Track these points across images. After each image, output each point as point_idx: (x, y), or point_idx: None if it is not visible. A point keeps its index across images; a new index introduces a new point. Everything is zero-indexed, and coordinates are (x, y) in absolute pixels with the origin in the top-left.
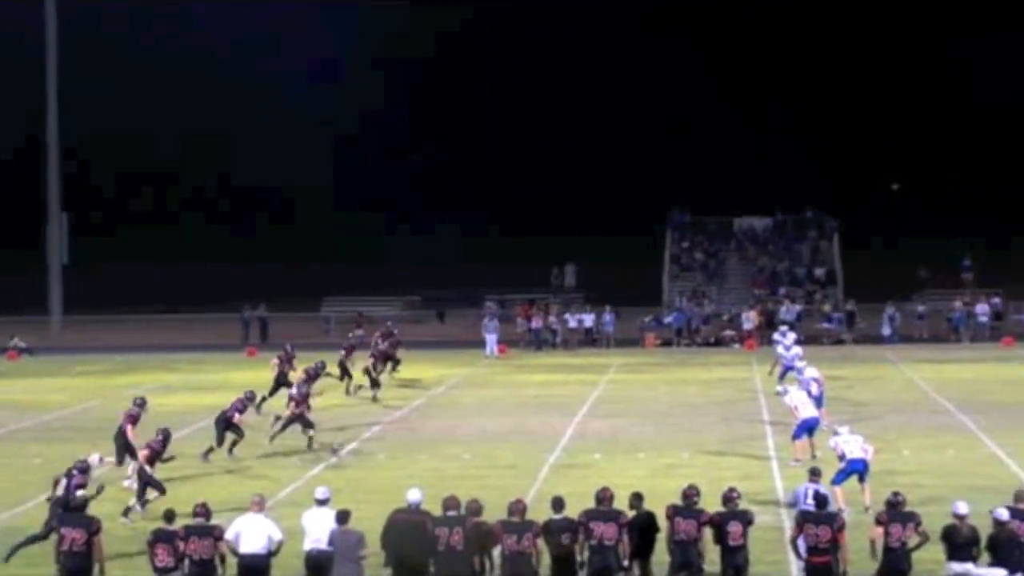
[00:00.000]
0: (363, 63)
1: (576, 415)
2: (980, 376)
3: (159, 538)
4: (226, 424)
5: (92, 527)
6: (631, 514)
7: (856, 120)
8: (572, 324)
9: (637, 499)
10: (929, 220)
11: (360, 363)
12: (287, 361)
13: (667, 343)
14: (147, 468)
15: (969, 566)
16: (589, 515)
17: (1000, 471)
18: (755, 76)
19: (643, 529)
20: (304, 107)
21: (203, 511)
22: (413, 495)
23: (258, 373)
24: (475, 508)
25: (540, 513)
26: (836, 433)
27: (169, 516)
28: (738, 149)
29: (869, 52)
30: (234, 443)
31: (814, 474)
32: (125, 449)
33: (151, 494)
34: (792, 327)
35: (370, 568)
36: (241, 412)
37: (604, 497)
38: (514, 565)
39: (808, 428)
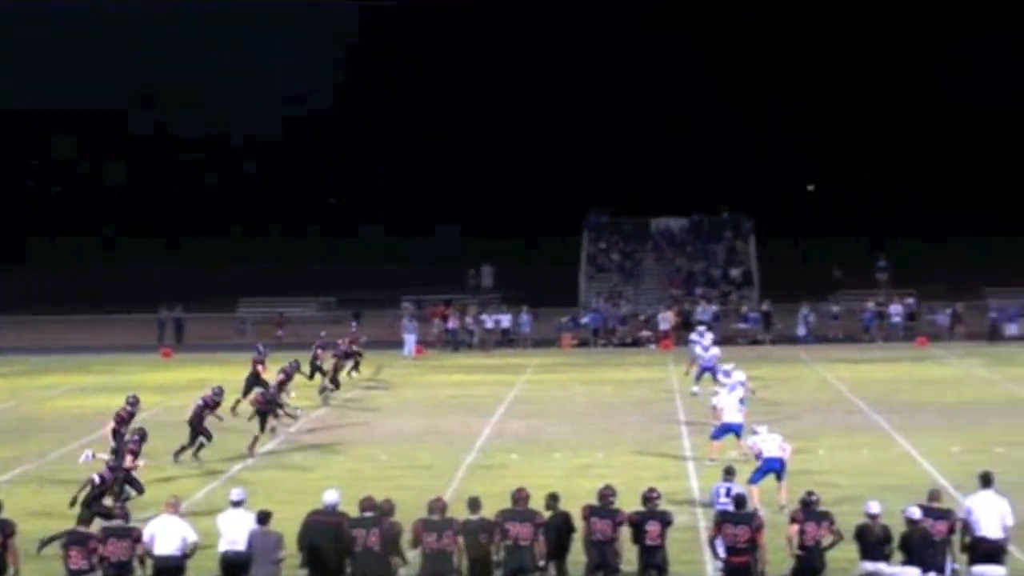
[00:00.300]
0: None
1: (493, 415)
2: (894, 376)
3: (73, 540)
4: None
5: (7, 530)
6: (547, 514)
7: (771, 120)
8: (489, 325)
9: (553, 499)
10: (845, 221)
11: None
12: (260, 362)
13: (584, 343)
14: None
15: (881, 565)
16: (505, 515)
17: (913, 470)
18: (676, 79)
19: (559, 529)
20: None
21: (122, 513)
22: (330, 496)
23: (175, 374)
24: (387, 508)
25: (456, 513)
26: (755, 432)
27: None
28: (655, 150)
29: (785, 53)
30: (199, 447)
31: (728, 473)
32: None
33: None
34: (709, 327)
35: (287, 569)
36: (212, 408)
37: (520, 497)
38: (435, 563)
39: (731, 431)
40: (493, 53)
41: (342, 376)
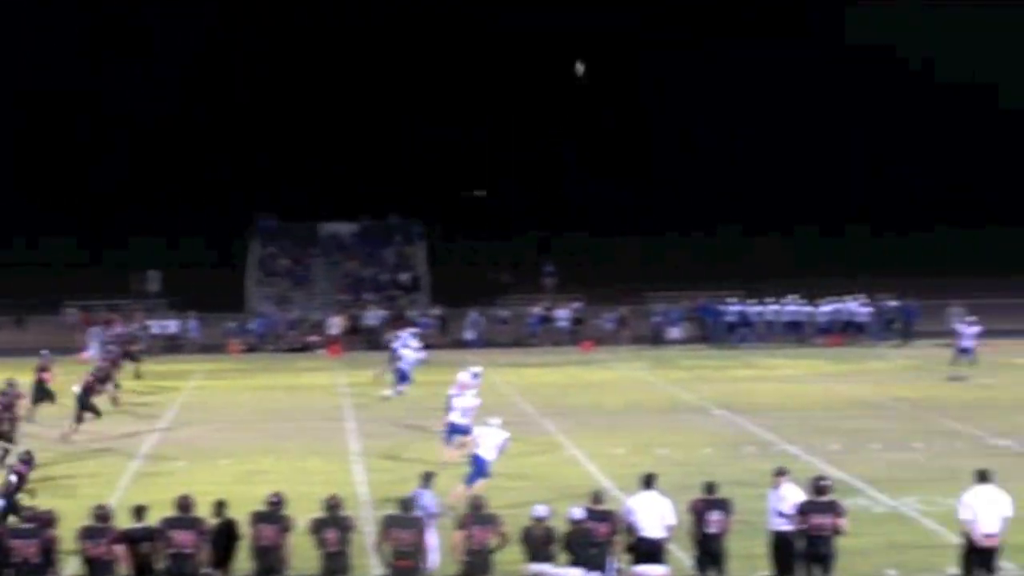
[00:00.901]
0: None
1: (160, 422)
2: (561, 380)
3: None
4: None
5: None
6: (213, 521)
7: (438, 125)
8: (156, 330)
9: (219, 506)
10: (513, 225)
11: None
12: (44, 369)
13: (252, 349)
14: None
15: (546, 567)
16: (169, 523)
17: (579, 473)
18: (345, 82)
19: (224, 536)
20: None
21: None
22: None
23: None
24: (47, 518)
25: (123, 522)
26: (486, 424)
27: None
28: (323, 155)
29: (441, 57)
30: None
31: (427, 478)
32: None
33: None
34: (415, 332)
35: None
36: (7, 410)
37: (184, 504)
38: (93, 571)
39: (457, 432)
40: (163, 52)
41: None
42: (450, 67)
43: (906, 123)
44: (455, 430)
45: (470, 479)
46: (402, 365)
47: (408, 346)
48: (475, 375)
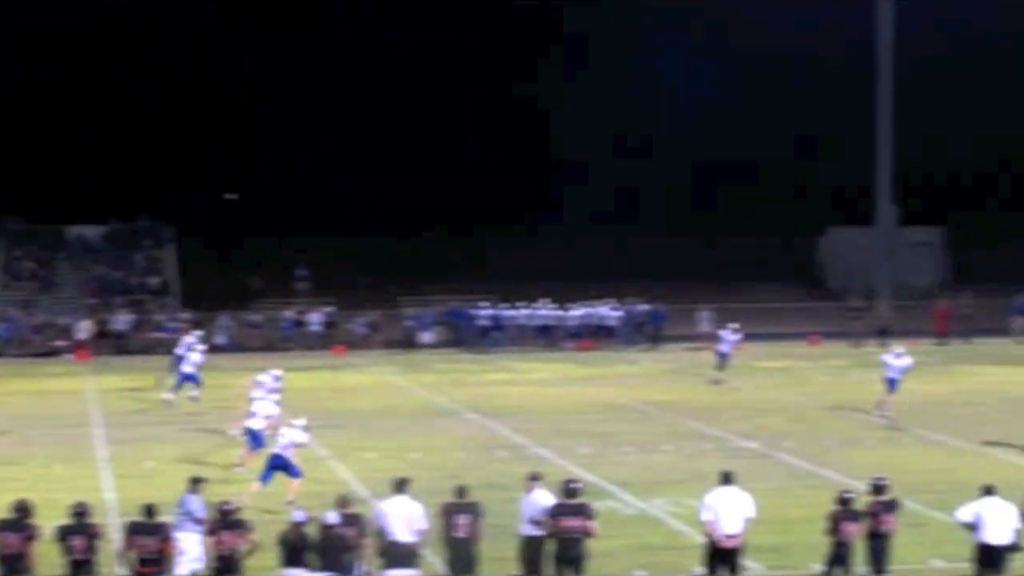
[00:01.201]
0: None
1: None
2: (313, 385)
3: None
4: None
5: None
6: None
7: (187, 129)
8: None
9: None
10: (264, 229)
11: None
12: None
13: None
14: None
15: (299, 571)
16: None
17: (332, 477)
18: (86, 84)
19: None
20: None
21: None
22: None
23: None
24: None
25: None
26: (289, 425)
27: None
28: (70, 157)
29: (191, 63)
30: None
31: (195, 482)
32: None
33: None
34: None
35: None
36: None
37: None
38: None
39: (255, 438)
40: None
41: None
42: (182, 68)
43: None
44: (254, 436)
45: (294, 474)
46: (189, 370)
47: (194, 350)
48: (276, 377)
